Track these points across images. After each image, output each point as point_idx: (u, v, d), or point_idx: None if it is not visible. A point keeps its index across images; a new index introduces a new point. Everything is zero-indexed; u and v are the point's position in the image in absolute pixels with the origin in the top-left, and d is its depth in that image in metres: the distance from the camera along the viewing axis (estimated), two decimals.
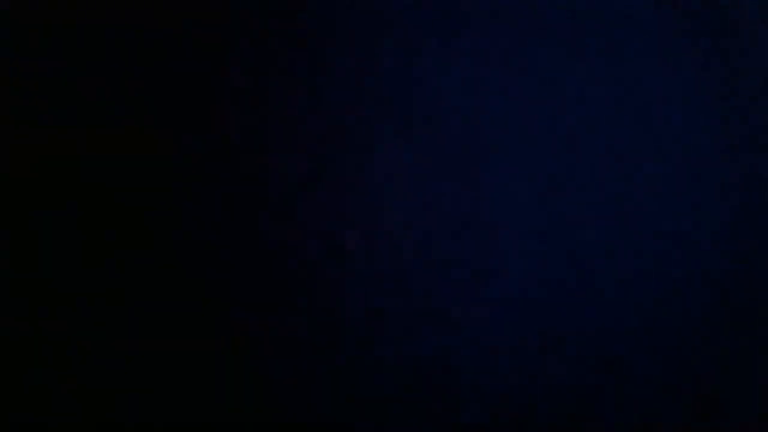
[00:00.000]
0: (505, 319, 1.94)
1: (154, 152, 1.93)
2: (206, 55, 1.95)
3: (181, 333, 1.91)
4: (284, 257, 1.93)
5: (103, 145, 1.93)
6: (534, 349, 1.94)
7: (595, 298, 1.95)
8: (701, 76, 1.99)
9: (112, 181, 1.92)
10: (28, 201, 1.91)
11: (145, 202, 1.92)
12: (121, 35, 1.94)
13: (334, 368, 1.92)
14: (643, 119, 1.98)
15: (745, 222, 1.97)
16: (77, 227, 1.92)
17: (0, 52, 1.94)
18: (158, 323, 1.91)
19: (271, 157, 1.94)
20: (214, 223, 1.93)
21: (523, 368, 1.94)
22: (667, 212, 1.97)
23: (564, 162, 1.96)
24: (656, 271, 1.96)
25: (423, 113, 1.96)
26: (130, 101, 1.94)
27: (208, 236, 1.93)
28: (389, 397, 1.92)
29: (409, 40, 1.96)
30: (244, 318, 1.92)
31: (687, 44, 1.99)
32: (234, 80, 1.95)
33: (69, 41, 1.94)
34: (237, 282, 1.92)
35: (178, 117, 1.94)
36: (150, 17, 1.95)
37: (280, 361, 1.92)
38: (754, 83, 1.98)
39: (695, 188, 1.97)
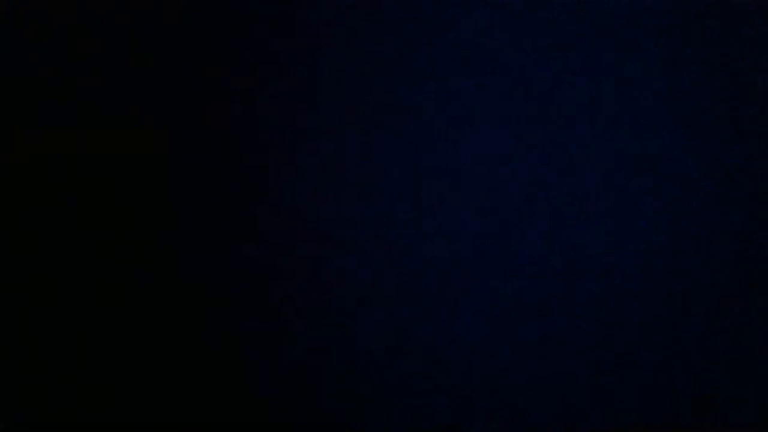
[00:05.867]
0: (509, 315, 1.94)
1: (151, 150, 1.92)
2: (205, 54, 1.94)
3: (178, 330, 1.91)
4: (282, 255, 1.93)
5: (102, 142, 1.92)
6: (535, 346, 1.94)
7: (595, 298, 1.95)
8: (702, 78, 1.98)
9: (110, 178, 1.92)
10: (26, 197, 1.91)
11: (143, 199, 1.92)
12: (120, 35, 1.94)
13: (336, 364, 1.92)
14: (643, 120, 1.97)
15: (744, 221, 1.97)
16: (75, 224, 1.91)
17: (0, 52, 1.94)
18: (155, 319, 1.91)
19: (269, 155, 1.94)
20: (211, 221, 1.93)
21: (524, 364, 1.93)
22: (668, 213, 1.96)
23: (567, 162, 1.96)
24: (657, 271, 1.96)
25: (426, 111, 1.95)
26: (128, 100, 1.93)
27: (204, 233, 1.92)
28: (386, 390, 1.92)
29: (409, 38, 1.96)
30: (241, 316, 1.91)
31: (688, 44, 1.98)
32: (232, 80, 1.94)
33: (69, 41, 1.94)
34: (234, 280, 1.92)
35: (177, 115, 1.93)
36: (149, 18, 1.94)
37: (279, 359, 1.92)
38: (755, 85, 1.98)
39: (696, 189, 1.97)
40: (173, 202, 1.92)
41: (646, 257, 1.95)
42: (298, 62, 1.95)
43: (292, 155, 1.94)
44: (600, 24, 1.98)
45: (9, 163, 1.92)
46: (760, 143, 1.98)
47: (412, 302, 1.93)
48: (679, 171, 1.97)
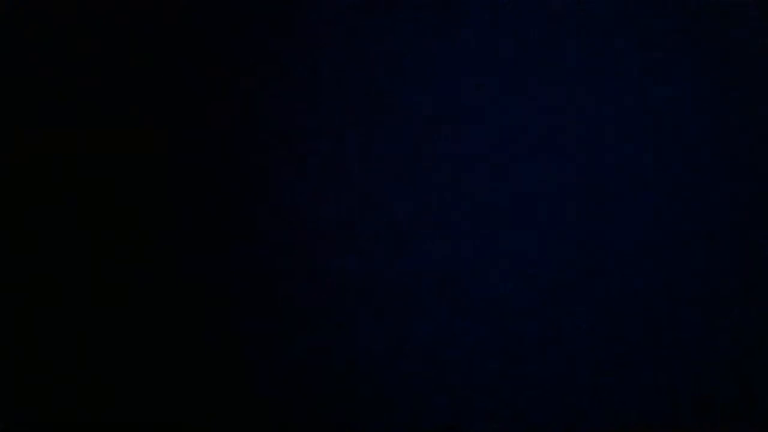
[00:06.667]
0: (509, 315, 1.94)
1: (151, 150, 1.92)
2: (205, 54, 1.94)
3: (178, 330, 1.91)
4: (282, 255, 1.93)
5: (102, 142, 1.92)
6: (535, 346, 1.94)
7: (595, 298, 1.95)
8: (701, 77, 1.98)
9: (110, 178, 1.92)
10: (26, 197, 1.91)
11: (143, 199, 1.92)
12: (120, 35, 1.94)
13: (336, 364, 1.92)
14: (643, 121, 1.97)
15: (744, 222, 1.97)
16: (75, 224, 1.91)
17: (1, 52, 1.94)
18: (155, 319, 1.91)
19: (269, 155, 1.94)
20: (211, 221, 1.93)
21: (524, 364, 1.93)
22: (666, 214, 1.96)
23: (565, 163, 1.96)
24: (657, 271, 1.96)
25: (423, 114, 1.96)
26: (128, 100, 1.93)
27: (204, 233, 1.92)
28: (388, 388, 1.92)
29: (410, 38, 1.96)
30: (241, 316, 1.92)
31: (686, 45, 1.98)
32: (232, 80, 1.94)
33: (69, 41, 1.94)
34: (234, 280, 1.92)
35: (177, 115, 1.93)
36: (149, 18, 1.94)
37: (279, 359, 1.92)
38: (753, 83, 1.98)
39: (696, 190, 1.97)
40: (173, 202, 1.92)
41: (647, 257, 1.95)
42: (299, 62, 1.95)
43: (292, 155, 1.94)
44: (600, 25, 1.98)
45: (9, 163, 1.92)
46: (761, 143, 1.98)
47: (412, 302, 1.93)
48: (678, 172, 1.97)
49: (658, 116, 1.97)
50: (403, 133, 1.95)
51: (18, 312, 1.90)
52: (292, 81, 1.95)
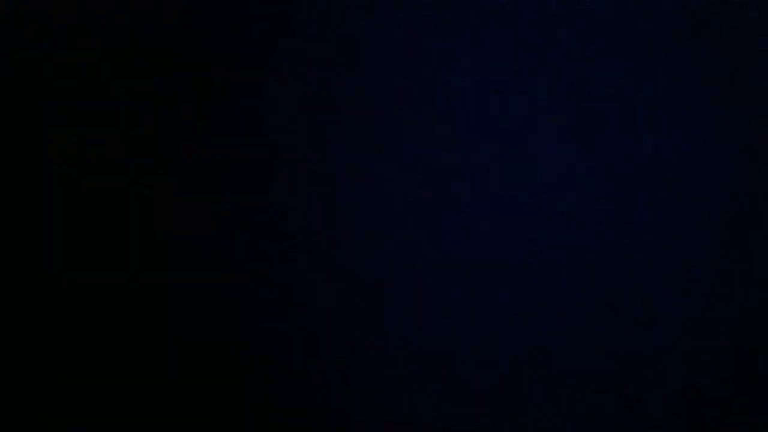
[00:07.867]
0: (510, 317, 1.94)
1: (151, 150, 1.93)
2: (205, 54, 1.95)
3: (178, 330, 1.91)
4: (282, 255, 1.93)
5: (102, 142, 1.93)
6: (537, 346, 1.94)
7: (596, 299, 1.95)
8: (700, 77, 1.99)
9: (111, 178, 1.92)
10: (26, 195, 1.92)
11: (143, 198, 1.92)
12: (120, 35, 1.95)
13: (337, 364, 1.93)
14: (644, 120, 1.98)
15: (744, 221, 1.97)
16: (75, 224, 1.92)
17: (1, 52, 1.94)
18: (155, 320, 1.91)
19: (269, 155, 1.94)
20: (211, 221, 1.93)
21: (525, 364, 1.94)
22: (666, 215, 1.97)
23: (568, 163, 1.97)
24: (657, 272, 1.96)
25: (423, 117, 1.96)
26: (132, 103, 1.94)
27: (204, 233, 1.93)
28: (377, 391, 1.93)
29: (412, 40, 1.96)
30: (241, 316, 1.92)
31: (687, 45, 1.99)
32: (232, 80, 1.95)
33: (69, 41, 1.94)
34: (234, 279, 1.92)
35: (177, 115, 1.94)
36: (149, 18, 1.95)
37: (279, 359, 1.92)
38: (754, 83, 1.98)
39: (695, 189, 1.97)
40: (173, 201, 1.92)
41: (648, 258, 1.96)
42: (299, 62, 1.95)
43: (293, 155, 1.94)
44: (601, 25, 1.98)
45: (9, 163, 1.92)
46: (761, 143, 1.99)
47: (414, 302, 1.93)
48: (677, 175, 1.98)
49: (658, 115, 1.98)
50: (402, 135, 1.95)
51: (18, 312, 1.91)
52: (292, 82, 1.95)
